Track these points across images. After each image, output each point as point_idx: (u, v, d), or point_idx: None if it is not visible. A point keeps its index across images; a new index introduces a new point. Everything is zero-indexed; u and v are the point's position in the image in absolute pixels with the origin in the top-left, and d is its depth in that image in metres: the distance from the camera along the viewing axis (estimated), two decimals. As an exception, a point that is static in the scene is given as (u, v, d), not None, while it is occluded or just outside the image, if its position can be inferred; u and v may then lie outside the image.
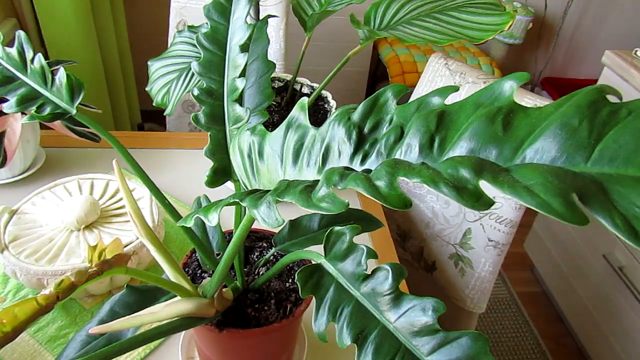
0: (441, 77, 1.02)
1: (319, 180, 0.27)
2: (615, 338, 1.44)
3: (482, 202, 0.20)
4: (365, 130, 0.29)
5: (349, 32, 2.21)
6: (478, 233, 0.98)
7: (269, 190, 0.28)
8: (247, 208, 0.28)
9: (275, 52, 1.35)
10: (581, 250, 1.58)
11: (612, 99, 0.23)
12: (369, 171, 0.26)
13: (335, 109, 0.95)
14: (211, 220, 0.30)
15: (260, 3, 1.01)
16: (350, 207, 0.54)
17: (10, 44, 0.54)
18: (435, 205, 1.05)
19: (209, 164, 0.48)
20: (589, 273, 1.55)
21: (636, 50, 1.43)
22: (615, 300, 1.43)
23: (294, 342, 0.63)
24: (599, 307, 1.51)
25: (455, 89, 0.27)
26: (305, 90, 1.00)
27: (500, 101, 0.25)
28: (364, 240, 0.85)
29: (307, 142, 0.31)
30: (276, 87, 1.01)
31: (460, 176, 0.21)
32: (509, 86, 0.26)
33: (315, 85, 1.00)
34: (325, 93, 0.98)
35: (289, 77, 1.02)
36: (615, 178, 0.20)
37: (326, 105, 0.97)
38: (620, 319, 1.42)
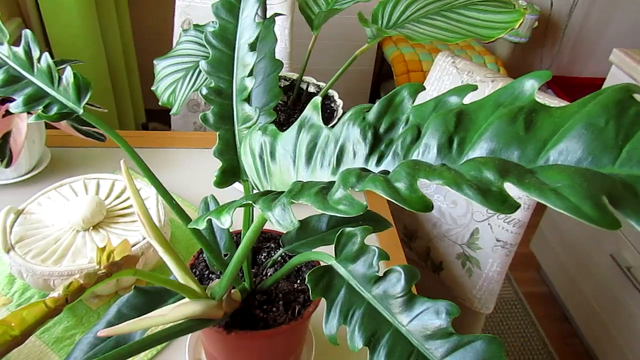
0: (448, 76, 1.01)
1: (334, 182, 0.26)
2: (623, 338, 1.43)
3: (507, 205, 0.20)
4: (381, 130, 0.28)
5: (354, 30, 2.20)
6: (486, 233, 0.97)
7: (283, 192, 0.28)
8: (260, 210, 0.27)
9: (280, 51, 1.34)
10: (588, 250, 1.57)
11: (639, 98, 0.22)
12: (385, 172, 0.26)
13: (342, 107, 0.94)
14: (224, 222, 0.29)
15: (266, 1, 1.00)
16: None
17: (15, 43, 0.53)
18: (442, 205, 1.04)
19: (215, 163, 0.48)
20: (596, 273, 1.54)
21: (644, 49, 1.42)
22: (622, 301, 1.42)
23: (302, 343, 0.63)
24: (606, 308, 1.50)
25: (474, 88, 0.27)
26: (311, 89, 1.00)
27: (521, 100, 0.25)
28: (371, 240, 0.84)
29: (321, 142, 0.30)
30: (282, 86, 1.01)
31: (484, 178, 0.21)
32: (530, 85, 0.25)
33: (321, 84, 1.00)
34: (331, 92, 0.97)
35: (294, 75, 1.02)
36: (646, 180, 0.19)
37: (332, 104, 0.96)
38: (627, 319, 1.41)
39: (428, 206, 0.21)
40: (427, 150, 0.26)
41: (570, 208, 0.18)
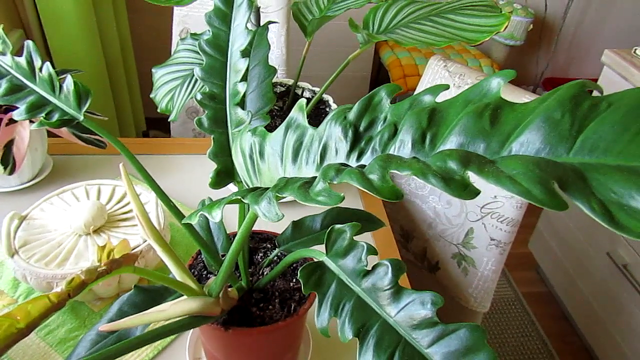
0: (441, 79, 1.03)
1: (316, 177, 0.28)
2: (621, 336, 1.44)
3: (468, 192, 0.21)
4: (361, 128, 0.30)
5: (349, 36, 2.22)
6: (480, 232, 0.99)
7: (270, 187, 0.30)
8: (248, 204, 0.29)
9: (277, 57, 1.36)
10: (585, 248, 1.58)
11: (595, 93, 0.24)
12: (364, 167, 0.27)
13: (337, 112, 0.96)
14: (215, 216, 0.31)
15: (261, 10, 1.03)
16: (353, 207, 0.55)
17: (17, 54, 0.56)
18: (437, 205, 1.06)
19: (212, 168, 0.50)
20: (593, 271, 1.55)
21: (635, 49, 1.44)
22: (620, 298, 1.44)
23: (298, 340, 0.64)
24: (604, 305, 1.51)
25: (446, 87, 0.29)
26: (306, 94, 1.02)
27: (488, 97, 0.27)
28: (366, 240, 0.86)
29: (306, 141, 0.32)
30: (278, 92, 1.03)
31: (448, 168, 0.23)
32: (497, 83, 0.27)
33: (316, 89, 1.02)
34: (326, 97, 0.99)
35: (290, 82, 1.04)
36: (595, 167, 0.21)
37: (328, 109, 0.98)
38: (625, 316, 1.42)
39: (398, 195, 0.23)
40: (403, 146, 0.27)
41: (522, 192, 0.20)
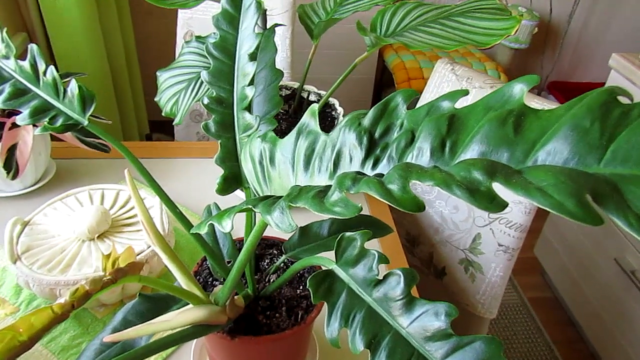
0: (448, 83, 1.02)
1: (331, 186, 0.27)
2: (628, 342, 1.42)
3: (495, 204, 0.20)
4: (376, 135, 0.29)
5: (355, 39, 2.22)
6: (488, 238, 0.98)
7: (282, 196, 0.28)
8: (260, 214, 0.28)
9: (281, 60, 1.35)
10: (592, 254, 1.57)
11: (623, 100, 0.23)
12: (380, 175, 0.26)
13: (343, 115, 0.95)
14: (225, 226, 0.30)
15: (267, 12, 1.02)
16: (360, 213, 0.54)
17: (21, 57, 0.55)
18: (444, 210, 1.05)
19: (218, 172, 0.49)
20: (600, 277, 1.53)
21: (643, 53, 1.43)
22: (627, 304, 1.42)
23: (305, 348, 0.63)
24: (611, 312, 1.49)
25: (465, 92, 0.28)
26: (312, 98, 1.01)
27: (511, 104, 0.25)
28: (373, 246, 0.85)
29: (318, 148, 0.31)
30: (283, 95, 1.02)
31: (473, 178, 0.21)
32: (519, 89, 0.26)
33: (322, 92, 1.01)
34: (332, 100, 0.98)
35: (296, 85, 1.03)
36: (629, 178, 0.20)
37: (333, 113, 0.97)
38: (632, 322, 1.41)
39: (420, 206, 0.22)
40: (421, 154, 0.26)
41: (555, 205, 0.19)
